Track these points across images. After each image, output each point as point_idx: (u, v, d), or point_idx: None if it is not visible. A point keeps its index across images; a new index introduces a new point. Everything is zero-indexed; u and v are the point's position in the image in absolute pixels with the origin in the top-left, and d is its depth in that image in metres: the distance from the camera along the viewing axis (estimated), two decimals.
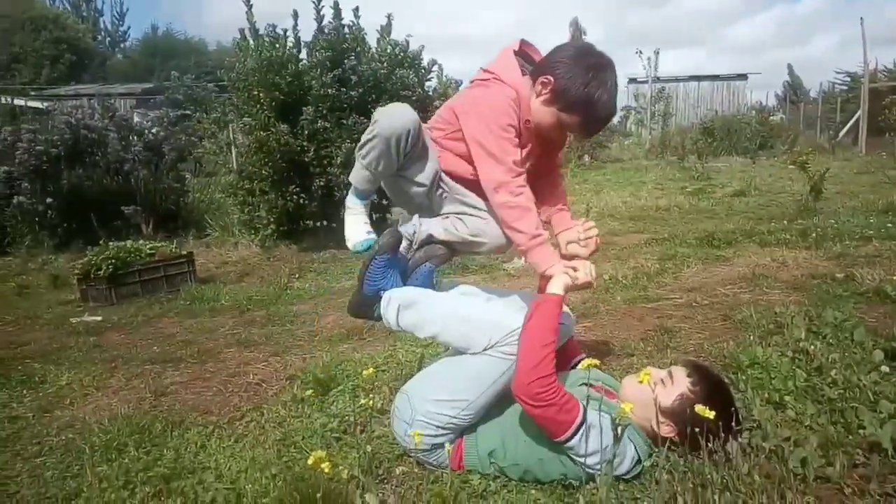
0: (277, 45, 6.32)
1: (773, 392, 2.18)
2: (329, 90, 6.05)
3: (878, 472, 1.67)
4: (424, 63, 6.91)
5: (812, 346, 2.50)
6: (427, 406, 1.89)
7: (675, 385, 1.84)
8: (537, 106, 1.98)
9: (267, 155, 6.26)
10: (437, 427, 1.87)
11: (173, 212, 8.18)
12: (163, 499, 1.92)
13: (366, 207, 2.16)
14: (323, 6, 6.39)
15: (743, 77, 25.26)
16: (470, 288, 2.28)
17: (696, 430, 1.62)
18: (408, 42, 6.73)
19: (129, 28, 40.75)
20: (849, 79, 23.35)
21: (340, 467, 1.86)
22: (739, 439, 1.76)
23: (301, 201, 6.43)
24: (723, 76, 25.29)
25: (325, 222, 7.05)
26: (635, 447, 1.79)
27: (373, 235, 2.11)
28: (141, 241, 5.44)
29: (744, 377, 2.34)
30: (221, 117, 7.10)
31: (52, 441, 2.43)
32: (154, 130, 8.33)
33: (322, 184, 6.27)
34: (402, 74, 6.39)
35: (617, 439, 1.68)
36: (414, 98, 6.27)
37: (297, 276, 5.49)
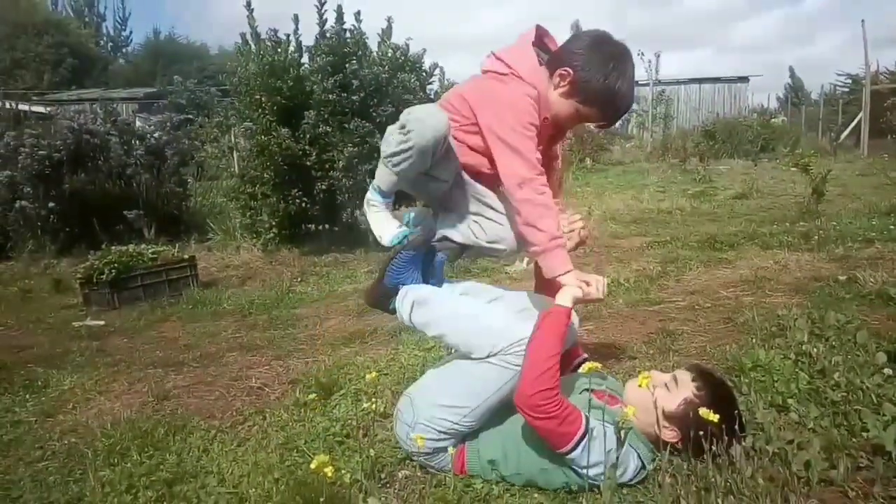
0: (279, 50, 6.34)
1: (776, 395, 2.18)
2: (330, 95, 6.06)
3: (881, 475, 1.67)
4: (426, 66, 6.93)
5: (815, 349, 2.50)
6: (430, 410, 1.88)
7: (679, 389, 1.83)
8: (555, 98, 1.95)
9: (269, 159, 6.27)
10: (439, 432, 1.87)
11: (175, 216, 8.19)
12: (165, 503, 1.92)
13: (388, 204, 2.12)
14: (326, 10, 6.40)
15: (744, 79, 25.26)
16: (477, 285, 2.28)
17: (700, 433, 1.62)
18: (408, 46, 6.75)
19: (131, 33, 40.80)
20: (850, 81, 23.35)
21: (343, 471, 1.87)
22: (743, 443, 1.75)
23: (303, 205, 6.43)
24: (724, 78, 25.29)
25: (327, 226, 7.06)
26: (639, 455, 1.78)
27: (405, 229, 2.08)
28: (143, 246, 5.45)
29: (746, 380, 2.34)
30: (224, 121, 7.11)
31: (55, 446, 2.43)
32: (156, 135, 8.34)
33: (324, 187, 6.28)
34: (403, 78, 6.40)
35: (620, 444, 1.68)
36: (415, 102, 6.29)
37: (299, 279, 5.50)
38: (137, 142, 8.14)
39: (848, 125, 17.59)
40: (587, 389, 1.84)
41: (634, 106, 21.62)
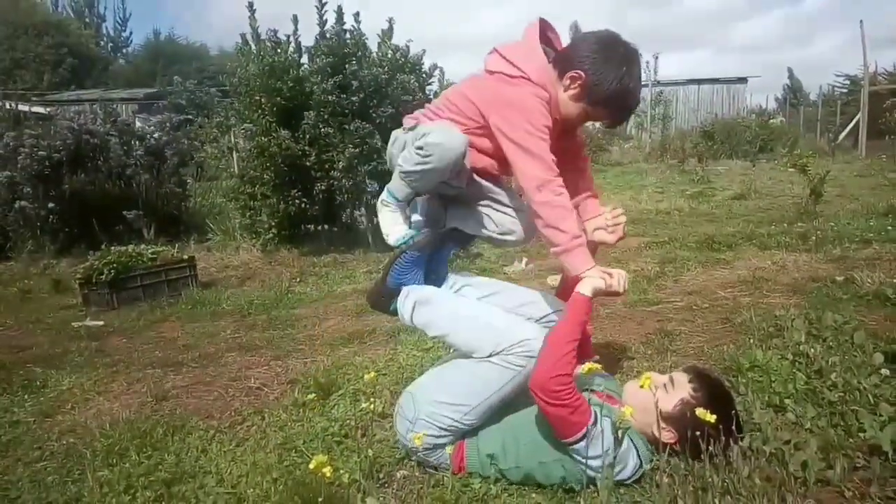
0: (279, 51, 6.34)
1: (773, 395, 2.18)
2: (330, 96, 6.06)
3: (878, 476, 1.67)
4: (425, 67, 6.93)
5: (812, 350, 2.50)
6: (430, 407, 1.89)
7: (676, 390, 1.84)
8: (564, 100, 1.94)
9: (268, 159, 6.28)
10: (440, 428, 1.88)
11: (175, 216, 8.19)
12: (164, 503, 1.92)
13: (402, 207, 2.12)
14: (326, 11, 6.41)
15: (743, 80, 25.26)
16: (478, 279, 2.29)
17: (698, 433, 1.62)
18: (408, 47, 6.75)
19: (131, 33, 40.74)
20: (849, 82, 23.38)
21: (342, 471, 1.87)
22: (740, 443, 1.76)
23: (303, 205, 6.44)
24: (722, 79, 25.28)
25: (326, 226, 7.06)
26: (638, 453, 1.79)
27: (411, 231, 2.10)
28: (142, 246, 5.45)
29: (744, 380, 2.34)
30: (224, 122, 7.12)
31: (53, 446, 2.44)
32: (156, 135, 8.35)
33: (323, 188, 6.29)
34: (403, 79, 6.40)
35: (618, 442, 1.69)
36: (414, 102, 6.29)
37: (298, 280, 5.50)
38: (137, 142, 8.14)
39: (846, 126, 17.61)
40: (587, 389, 1.85)
41: None
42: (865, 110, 14.44)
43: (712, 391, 1.82)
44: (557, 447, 1.77)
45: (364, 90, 6.21)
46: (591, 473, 1.73)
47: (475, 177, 2.08)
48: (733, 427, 1.72)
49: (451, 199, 2.17)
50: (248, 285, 5.54)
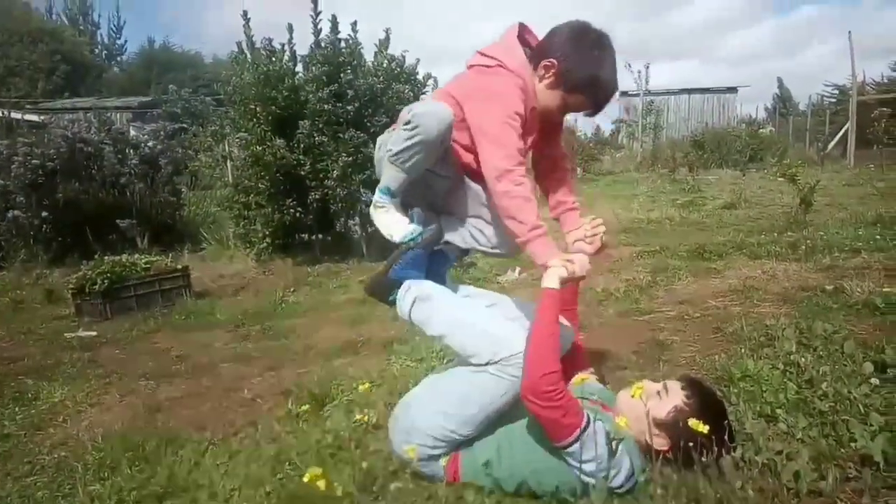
0: (274, 60, 6.36)
1: (764, 405, 2.19)
2: (325, 105, 6.08)
3: (870, 486, 1.68)
4: (420, 77, 6.96)
5: (803, 359, 2.51)
6: (426, 418, 1.89)
7: (669, 398, 1.85)
8: (542, 90, 1.98)
9: (263, 168, 6.29)
10: (435, 439, 1.88)
11: (169, 225, 8.19)
12: None
13: (396, 204, 2.11)
14: (321, 20, 6.44)
15: (733, 90, 25.44)
16: (476, 290, 2.30)
17: (690, 444, 1.63)
18: (404, 57, 6.78)
19: (126, 41, 40.65)
20: (837, 91, 23.52)
21: (335, 484, 1.87)
22: (732, 453, 1.77)
23: (297, 215, 6.44)
24: (713, 89, 25.45)
25: (320, 235, 7.06)
26: (631, 461, 1.80)
27: (418, 227, 2.08)
28: (136, 255, 5.44)
29: (735, 390, 2.35)
30: (219, 130, 7.13)
31: (44, 459, 2.43)
32: (150, 144, 8.34)
33: (318, 197, 6.29)
34: (398, 89, 6.43)
35: (612, 453, 1.70)
36: None
37: (292, 289, 5.50)
38: (131, 151, 8.15)
39: (835, 135, 17.70)
40: (580, 398, 1.86)
41: (625, 116, 21.79)
42: (854, 120, 14.52)
43: (705, 399, 1.83)
44: (552, 453, 1.78)
45: (359, 99, 6.24)
46: (585, 478, 1.73)
47: (468, 181, 2.07)
48: (726, 437, 1.74)
49: (443, 209, 2.17)
50: (242, 295, 5.53)
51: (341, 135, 6.15)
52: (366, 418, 2.25)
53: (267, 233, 6.56)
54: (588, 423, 1.73)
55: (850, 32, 14.34)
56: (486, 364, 1.84)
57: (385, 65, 6.65)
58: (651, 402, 1.83)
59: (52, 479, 2.24)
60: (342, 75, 6.18)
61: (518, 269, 5.24)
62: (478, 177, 2.07)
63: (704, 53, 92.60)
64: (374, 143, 2.20)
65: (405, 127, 1.90)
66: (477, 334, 1.90)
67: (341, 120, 6.20)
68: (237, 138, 6.59)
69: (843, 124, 15.99)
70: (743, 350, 2.81)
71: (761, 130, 20.28)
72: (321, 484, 1.53)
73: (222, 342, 4.03)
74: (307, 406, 2.58)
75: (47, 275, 6.69)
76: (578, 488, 1.75)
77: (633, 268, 5.03)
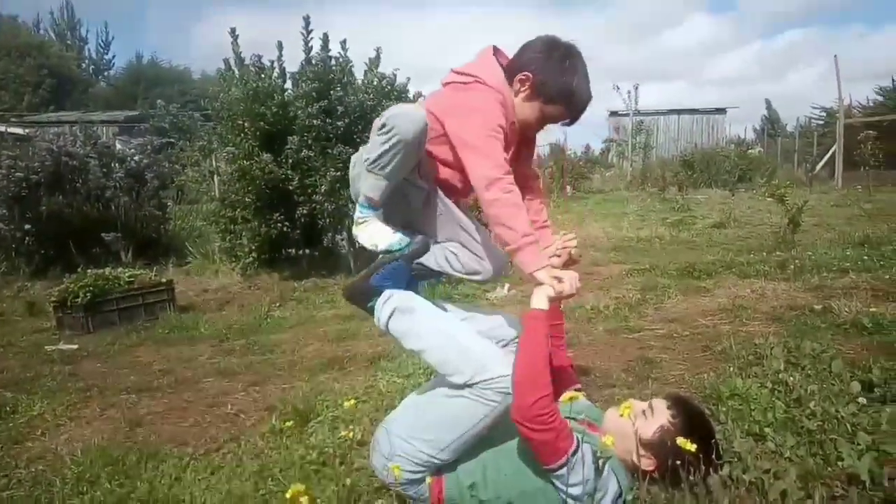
0: (263, 76, 6.36)
1: (752, 424, 2.19)
2: (315, 120, 6.08)
3: None
4: (410, 95, 6.98)
5: (791, 378, 2.52)
6: (406, 443, 1.85)
7: (655, 417, 1.83)
8: (519, 103, 2.00)
9: (250, 183, 6.26)
10: (416, 464, 1.84)
11: (154, 239, 8.11)
12: None
13: (379, 216, 2.06)
14: (312, 38, 6.46)
15: (721, 111, 25.79)
16: (450, 305, 2.27)
17: (678, 462, 1.61)
18: (395, 75, 6.82)
19: (114, 56, 40.64)
20: (825, 114, 23.87)
21: (319, 501, 1.84)
22: (720, 472, 1.75)
23: (284, 229, 6.41)
24: (702, 110, 25.80)
25: (307, 251, 7.03)
26: (618, 481, 1.77)
27: (405, 238, 2.03)
28: (120, 269, 5.38)
29: (724, 408, 2.35)
30: (207, 145, 7.10)
31: (21, 473, 2.37)
32: (136, 158, 8.29)
33: (305, 212, 6.27)
34: (388, 106, 6.42)
35: (598, 472, 1.67)
36: None
37: (277, 304, 5.45)
38: (117, 164, 8.08)
39: (823, 157, 17.93)
40: (568, 417, 1.83)
41: (615, 135, 21.98)
42: (841, 142, 14.75)
43: (691, 418, 1.82)
44: (539, 475, 1.75)
45: (349, 115, 6.24)
46: (572, 502, 1.71)
47: (449, 203, 2.06)
48: (713, 455, 1.72)
49: (421, 230, 2.12)
50: (227, 309, 5.48)
51: (330, 150, 6.14)
52: (351, 434, 2.22)
53: (253, 247, 6.51)
54: (577, 445, 1.70)
55: (835, 56, 14.63)
56: (465, 385, 1.79)
57: (375, 83, 6.67)
58: (637, 421, 1.82)
59: (29, 494, 2.19)
60: (332, 92, 6.19)
61: (507, 285, 5.23)
62: (455, 193, 2.08)
63: (693, 75, 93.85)
64: None
65: (380, 131, 1.88)
66: (457, 353, 1.84)
67: (330, 136, 6.20)
68: (224, 153, 6.57)
69: (831, 146, 16.21)
70: (731, 368, 2.82)
71: (750, 151, 20.55)
72: (304, 500, 1.50)
73: (206, 357, 3.98)
74: (291, 422, 2.53)
75: (29, 287, 6.61)
76: None
77: (622, 286, 5.04)
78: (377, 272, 2.02)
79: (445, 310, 2.15)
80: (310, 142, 6.15)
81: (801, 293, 4.24)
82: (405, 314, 1.95)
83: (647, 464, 1.77)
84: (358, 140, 6.23)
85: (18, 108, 26.54)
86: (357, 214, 2.06)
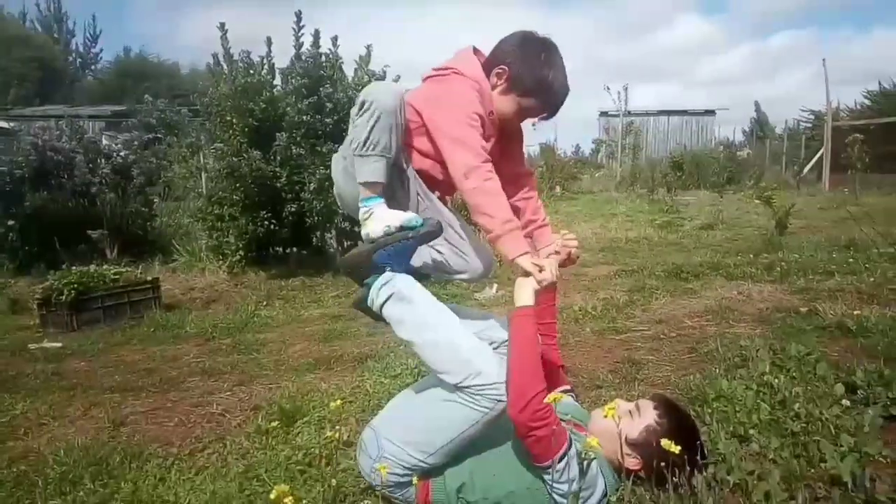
0: (252, 72, 6.33)
1: (737, 425, 2.20)
2: (304, 117, 6.05)
3: None
4: None
5: (776, 380, 2.53)
6: (394, 446, 1.83)
7: (641, 417, 1.84)
8: (497, 97, 2.00)
9: (238, 180, 6.23)
10: (404, 467, 1.82)
11: (140, 236, 8.05)
12: None
13: (383, 203, 1.96)
14: (303, 34, 6.43)
15: (711, 113, 25.98)
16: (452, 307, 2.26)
17: (662, 463, 1.62)
18: (385, 72, 6.79)
19: (101, 50, 40.06)
20: (813, 117, 24.04)
21: (304, 501, 1.83)
22: (704, 473, 1.76)
23: (271, 227, 6.38)
24: (691, 111, 25.97)
25: (295, 249, 7.00)
26: (604, 480, 1.78)
27: (419, 218, 1.94)
28: (105, 266, 5.34)
29: (709, 410, 2.35)
30: (195, 142, 7.06)
31: (3, 474, 2.34)
32: (123, 153, 8.22)
33: (294, 209, 6.24)
34: None
35: (583, 472, 1.68)
36: None
37: (264, 303, 5.43)
38: (103, 160, 8.00)
39: (810, 160, 18.06)
40: None
41: (605, 136, 22.04)
42: (829, 145, 14.88)
43: (677, 419, 1.83)
44: (527, 475, 1.75)
45: (338, 112, 6.22)
46: (560, 500, 1.71)
47: (436, 201, 2.05)
48: (698, 456, 1.73)
49: None
50: (213, 308, 5.45)
51: (319, 147, 6.12)
52: (337, 435, 2.21)
53: (240, 245, 6.47)
54: (570, 444, 1.71)
55: (824, 60, 14.77)
56: (456, 388, 1.76)
57: (365, 80, 6.65)
58: (623, 421, 1.82)
59: (11, 494, 2.16)
60: (322, 89, 6.17)
61: (496, 285, 5.23)
62: (437, 185, 2.06)
63: (683, 76, 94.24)
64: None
65: (361, 111, 1.88)
66: (451, 353, 1.80)
67: (319, 133, 6.18)
68: (213, 149, 6.53)
69: (819, 149, 16.34)
70: (717, 370, 2.83)
71: (739, 153, 20.65)
72: (289, 501, 1.49)
73: (191, 356, 3.95)
74: (277, 422, 2.53)
75: (12, 284, 6.54)
76: None
77: (610, 286, 5.05)
78: (382, 249, 1.93)
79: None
80: (299, 139, 6.13)
81: (787, 295, 4.27)
82: (403, 302, 1.90)
83: (633, 464, 1.78)
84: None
85: (4, 101, 26.24)
86: (361, 212, 1.97)
